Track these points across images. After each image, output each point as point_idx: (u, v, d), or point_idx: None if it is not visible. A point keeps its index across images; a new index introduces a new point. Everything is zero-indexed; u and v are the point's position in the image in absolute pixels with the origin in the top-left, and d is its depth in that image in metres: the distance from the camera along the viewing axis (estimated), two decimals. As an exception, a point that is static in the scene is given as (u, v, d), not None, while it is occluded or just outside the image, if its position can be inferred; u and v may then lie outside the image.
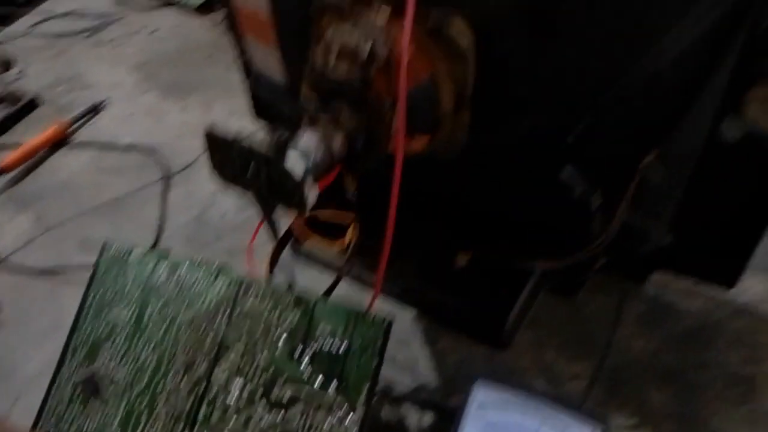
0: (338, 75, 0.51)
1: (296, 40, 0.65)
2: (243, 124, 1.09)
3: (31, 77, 1.23)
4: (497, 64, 0.53)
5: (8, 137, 1.09)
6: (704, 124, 0.56)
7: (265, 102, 0.81)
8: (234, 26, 0.81)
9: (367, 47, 0.52)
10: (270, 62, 0.72)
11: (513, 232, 0.69)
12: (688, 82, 0.52)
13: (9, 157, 0.98)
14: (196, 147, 1.05)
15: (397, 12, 0.53)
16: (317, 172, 0.49)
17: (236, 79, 1.19)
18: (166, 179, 0.98)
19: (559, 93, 0.53)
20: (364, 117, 0.52)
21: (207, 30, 1.36)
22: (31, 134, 1.09)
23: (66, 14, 1.44)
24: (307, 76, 0.53)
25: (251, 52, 0.76)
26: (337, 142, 0.51)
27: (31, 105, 1.15)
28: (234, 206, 0.94)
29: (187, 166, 1.01)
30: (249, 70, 0.90)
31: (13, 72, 1.21)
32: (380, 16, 0.52)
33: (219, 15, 1.40)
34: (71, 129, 1.07)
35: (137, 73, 1.24)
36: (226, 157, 0.48)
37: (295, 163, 0.47)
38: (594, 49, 0.51)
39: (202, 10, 1.41)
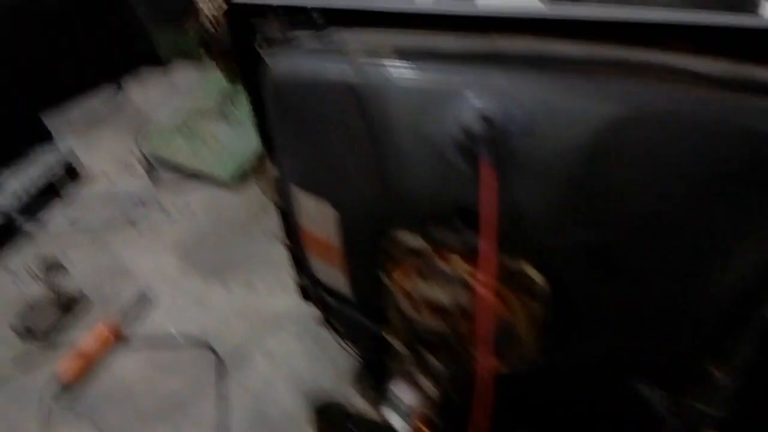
0: (425, 326, 0.55)
1: (367, 268, 0.70)
2: (286, 301, 1.13)
3: (76, 272, 1.28)
4: (566, 297, 0.57)
5: (63, 340, 1.12)
6: (761, 327, 0.61)
7: (325, 306, 0.85)
8: (293, 237, 0.87)
9: (451, 301, 0.56)
10: (334, 278, 0.77)
11: (575, 420, 0.71)
12: (742, 296, 0.57)
13: (68, 370, 1.01)
14: (244, 331, 1.08)
15: (470, 258, 0.58)
16: (417, 421, 0.52)
17: (274, 252, 1.24)
18: (220, 372, 1.00)
19: (625, 318, 0.58)
20: (452, 360, 0.56)
21: (241, 204, 1.43)
22: (84, 334, 1.12)
23: (103, 201, 1.52)
24: (392, 326, 0.58)
25: (312, 265, 0.80)
26: (430, 389, 0.54)
27: (81, 303, 1.19)
28: (288, 395, 0.96)
29: (238, 356, 1.03)
30: (300, 268, 0.95)
31: (60, 271, 1.25)
32: (456, 266, 0.57)
33: (251, 189, 1.48)
34: (122, 327, 1.11)
35: (178, 256, 1.29)
36: (332, 421, 0.51)
37: (400, 424, 0.50)
38: (652, 282, 0.56)
39: (235, 184, 1.50)
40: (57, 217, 1.49)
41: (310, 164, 0.70)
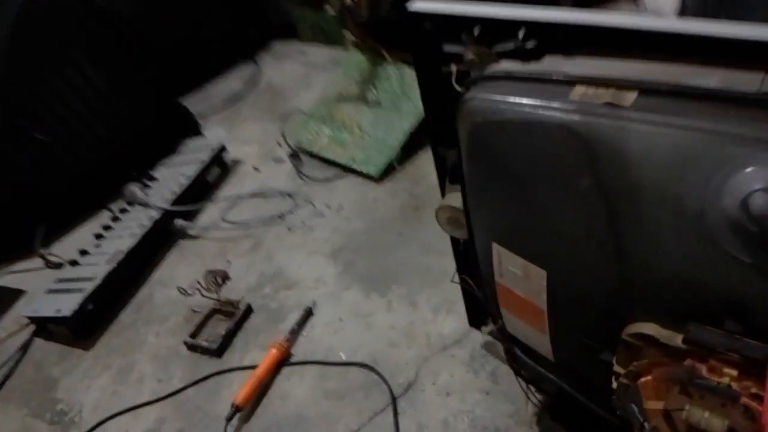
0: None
1: (584, 345, 0.59)
2: (452, 324, 1.05)
3: (236, 278, 1.27)
4: None
5: (230, 355, 1.13)
6: None
7: (513, 356, 0.75)
8: (474, 277, 0.78)
9: (719, 423, 0.44)
10: (532, 338, 0.67)
11: None
12: None
13: (240, 393, 1.00)
14: (411, 358, 1.01)
15: (748, 370, 0.45)
16: None
17: (432, 264, 1.17)
18: (394, 404, 0.94)
19: None
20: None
21: (389, 201, 1.36)
22: (250, 349, 1.12)
23: (251, 196, 1.51)
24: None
25: (505, 316, 0.71)
26: None
27: (247, 314, 1.18)
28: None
29: (409, 386, 0.97)
30: (474, 307, 0.86)
31: (224, 279, 1.26)
32: (727, 378, 0.45)
33: (397, 182, 1.41)
34: (290, 345, 1.08)
35: (335, 263, 1.25)
36: None
37: None
38: None
39: (380, 177, 1.42)
40: (210, 214, 1.50)
41: (515, 219, 0.59)
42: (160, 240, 1.44)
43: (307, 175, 1.52)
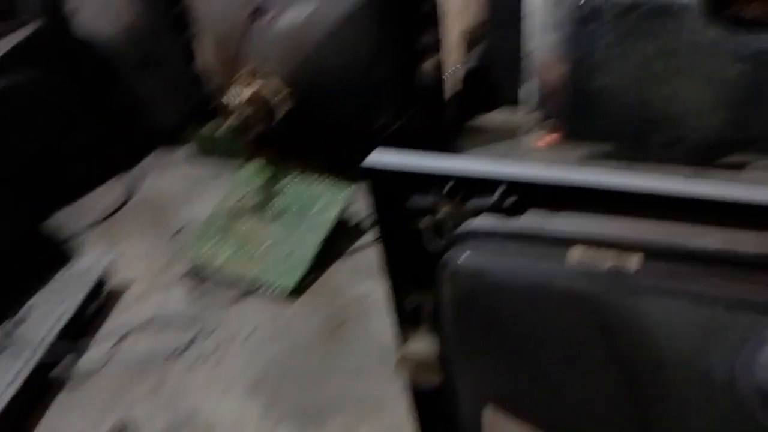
0: None
1: None
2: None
3: (143, 427, 1.11)
4: None
5: None
6: None
7: None
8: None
9: None
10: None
11: None
12: None
13: None
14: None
15: None
16: None
17: (369, 388, 1.09)
18: None
19: None
20: None
21: (308, 319, 1.27)
22: None
23: (145, 324, 1.35)
24: None
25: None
26: None
27: (160, 478, 1.02)
28: None
29: None
30: None
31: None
32: None
33: (312, 297, 1.33)
34: None
35: (257, 398, 1.13)
36: None
37: None
38: None
39: (294, 293, 1.34)
40: (97, 352, 1.31)
41: (516, 384, 0.55)
42: (39, 391, 1.23)
43: (209, 296, 1.39)
